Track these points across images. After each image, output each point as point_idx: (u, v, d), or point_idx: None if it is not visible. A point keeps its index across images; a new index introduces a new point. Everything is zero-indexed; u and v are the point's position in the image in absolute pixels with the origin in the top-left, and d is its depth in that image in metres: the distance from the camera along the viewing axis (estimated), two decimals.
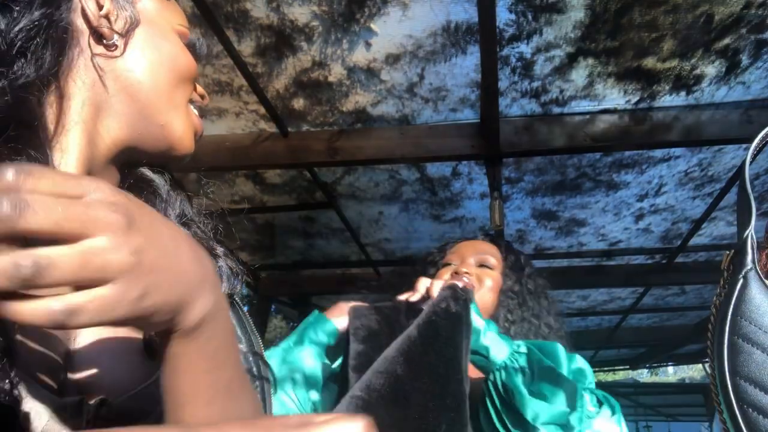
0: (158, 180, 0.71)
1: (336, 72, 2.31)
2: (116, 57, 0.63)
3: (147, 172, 0.71)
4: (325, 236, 4.02)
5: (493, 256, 1.46)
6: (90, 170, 0.62)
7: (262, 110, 2.54)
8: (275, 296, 5.14)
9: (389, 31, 2.09)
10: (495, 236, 1.55)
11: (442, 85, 2.37)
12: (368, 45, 2.17)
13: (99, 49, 0.62)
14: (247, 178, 3.23)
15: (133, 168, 0.70)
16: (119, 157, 0.66)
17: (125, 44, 0.64)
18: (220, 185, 3.32)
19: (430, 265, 1.51)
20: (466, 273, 1.39)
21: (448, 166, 3.03)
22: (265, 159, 2.76)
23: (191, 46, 0.71)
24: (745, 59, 2.20)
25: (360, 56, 2.22)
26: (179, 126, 0.67)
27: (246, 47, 2.19)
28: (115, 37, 0.63)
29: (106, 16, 0.63)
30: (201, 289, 0.46)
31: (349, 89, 2.42)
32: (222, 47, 2.14)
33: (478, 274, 1.41)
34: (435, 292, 1.20)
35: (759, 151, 0.70)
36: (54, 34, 0.56)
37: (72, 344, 0.57)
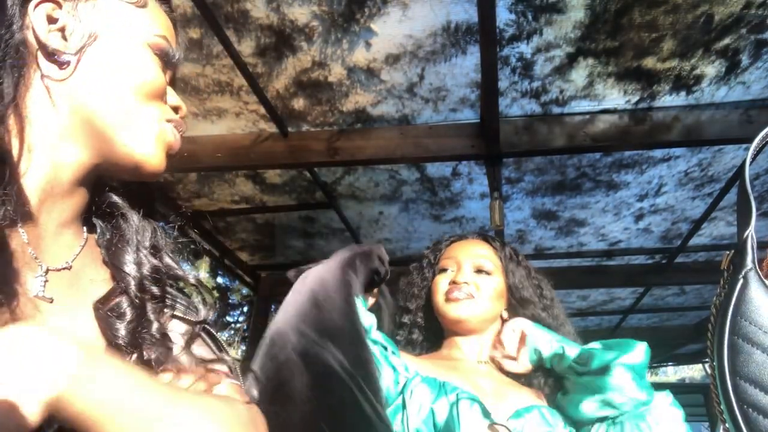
0: (129, 211, 0.69)
1: (336, 72, 2.31)
2: (67, 76, 0.59)
3: (117, 199, 0.68)
4: (325, 236, 4.02)
5: (489, 259, 1.36)
6: (54, 194, 0.60)
7: (262, 110, 2.54)
8: (275, 296, 5.14)
9: (389, 31, 2.09)
10: (486, 233, 1.47)
11: (442, 85, 2.37)
12: (368, 45, 2.17)
13: (50, 67, 0.59)
14: (247, 178, 3.23)
15: (105, 190, 0.68)
16: (86, 178, 0.63)
17: (78, 61, 0.60)
18: (221, 185, 3.32)
19: (426, 268, 1.43)
20: (465, 283, 1.30)
21: (448, 166, 3.03)
22: (265, 159, 2.76)
23: (163, 57, 0.66)
24: (745, 59, 2.20)
25: (360, 56, 2.22)
26: (144, 146, 0.63)
27: (246, 47, 2.19)
28: (67, 53, 0.59)
29: (61, 30, 0.59)
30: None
31: (349, 89, 2.42)
32: (222, 47, 2.14)
33: (477, 282, 1.32)
34: None
35: (759, 151, 0.70)
36: (9, 56, 0.54)
37: None
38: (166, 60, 0.66)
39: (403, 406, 1.09)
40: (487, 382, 1.20)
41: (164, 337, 0.63)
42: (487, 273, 1.33)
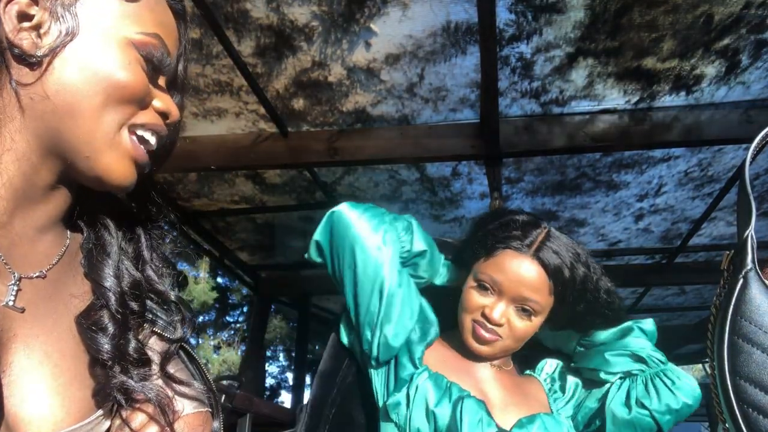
0: (112, 223, 0.66)
1: (336, 72, 2.31)
2: (35, 80, 0.55)
3: (101, 211, 0.66)
4: None
5: (538, 295, 1.11)
6: (28, 198, 0.57)
7: (262, 110, 2.54)
8: (275, 296, 5.14)
9: (389, 31, 2.09)
10: (545, 255, 1.12)
11: (442, 85, 2.37)
12: (368, 45, 2.17)
13: (19, 70, 0.55)
14: (247, 178, 3.23)
15: (90, 197, 0.65)
16: (64, 183, 0.60)
17: (49, 62, 0.56)
18: (220, 185, 3.32)
19: (470, 253, 1.20)
20: (497, 325, 1.11)
21: (448, 166, 3.03)
22: (265, 159, 2.76)
23: (150, 57, 0.60)
24: (744, 59, 2.20)
25: (360, 56, 2.22)
26: (105, 158, 0.58)
27: (246, 47, 2.19)
28: (39, 53, 0.55)
29: (35, 28, 0.55)
30: None
31: (349, 89, 2.42)
32: (222, 47, 2.14)
33: (512, 322, 1.12)
34: None
35: (759, 151, 0.70)
36: None
37: (4, 377, 0.53)
38: (154, 60, 0.61)
39: (407, 401, 1.08)
40: (494, 386, 1.18)
41: (143, 356, 0.62)
42: (528, 314, 1.13)
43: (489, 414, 1.07)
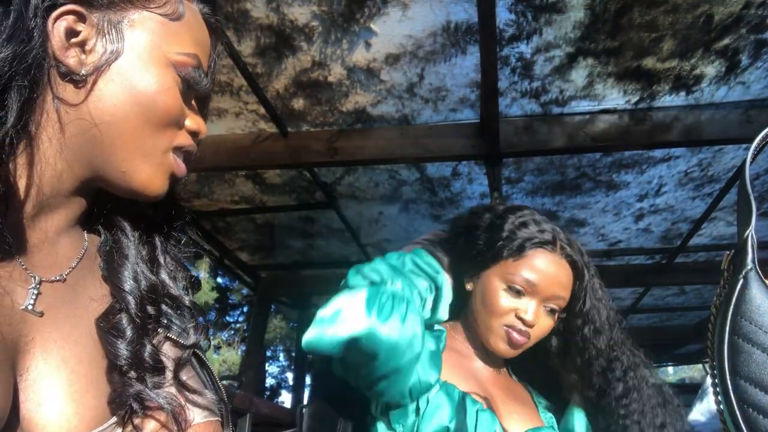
0: (128, 226, 0.66)
1: (336, 72, 2.31)
2: (81, 100, 0.56)
3: (118, 213, 0.66)
4: (325, 236, 4.02)
5: (566, 294, 1.13)
6: (52, 204, 0.58)
7: (262, 110, 2.54)
8: (275, 296, 5.14)
9: (389, 31, 2.09)
10: (574, 255, 1.15)
11: (441, 85, 2.37)
12: (368, 45, 2.17)
13: (64, 87, 0.55)
14: (246, 178, 3.23)
15: (107, 200, 0.65)
16: (87, 189, 0.61)
17: (95, 81, 0.56)
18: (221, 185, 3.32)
19: (491, 255, 1.14)
20: (531, 326, 1.10)
21: (448, 166, 3.03)
22: (265, 159, 2.76)
23: (189, 77, 0.61)
24: (744, 59, 2.20)
25: (360, 56, 2.22)
26: (143, 174, 0.60)
27: (246, 47, 2.19)
28: (84, 71, 0.55)
29: (81, 45, 0.55)
30: None
31: (349, 89, 2.42)
32: (222, 47, 2.14)
33: (541, 322, 1.12)
34: None
35: (759, 151, 0.70)
36: (19, 74, 0.50)
37: (21, 381, 0.53)
38: (191, 80, 0.62)
39: (416, 414, 1.02)
40: (497, 391, 1.17)
41: (158, 363, 0.61)
42: (554, 313, 1.13)
43: (503, 428, 1.04)
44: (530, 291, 1.10)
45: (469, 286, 1.18)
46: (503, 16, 2.00)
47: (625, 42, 2.13)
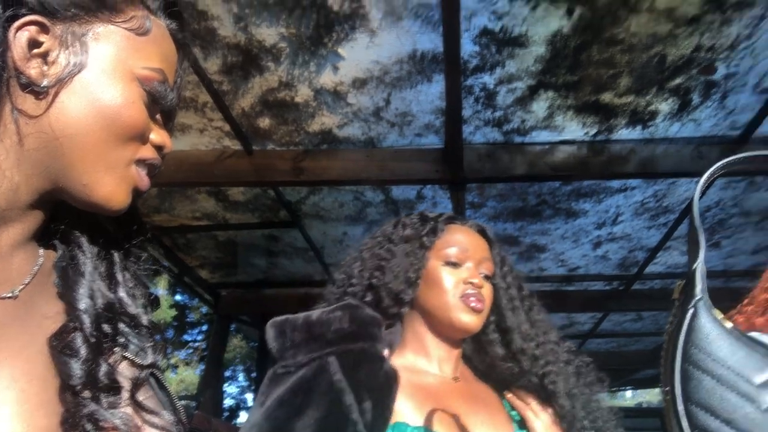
0: (86, 241, 0.64)
1: (303, 93, 2.33)
2: (41, 111, 0.55)
3: (76, 228, 0.64)
4: (288, 255, 4.00)
5: (491, 260, 1.21)
6: (5, 214, 0.56)
7: (227, 127, 2.53)
8: (235, 315, 5.07)
9: (356, 56, 2.12)
10: (483, 225, 1.28)
11: (407, 110, 2.41)
12: (335, 68, 2.19)
13: (24, 98, 0.54)
14: (209, 194, 3.20)
15: (66, 213, 0.63)
16: (45, 202, 0.60)
17: (57, 93, 0.55)
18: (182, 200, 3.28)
19: (413, 246, 1.19)
20: (480, 287, 1.15)
21: (413, 190, 3.07)
22: (229, 176, 2.74)
23: (154, 92, 0.61)
24: (695, 98, 2.30)
25: (327, 79, 2.24)
26: (106, 187, 0.59)
27: (212, 64, 2.18)
28: (45, 82, 0.54)
29: (43, 56, 0.55)
30: None
31: (316, 110, 2.43)
32: (188, 63, 2.13)
33: (484, 285, 1.17)
34: None
35: (708, 186, 0.73)
36: None
37: None
38: (156, 95, 0.61)
39: None
40: (463, 403, 1.12)
41: (113, 382, 0.60)
42: (488, 278, 1.19)
43: None
44: (463, 258, 1.17)
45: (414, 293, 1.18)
46: (468, 47, 2.05)
47: (584, 77, 2.21)
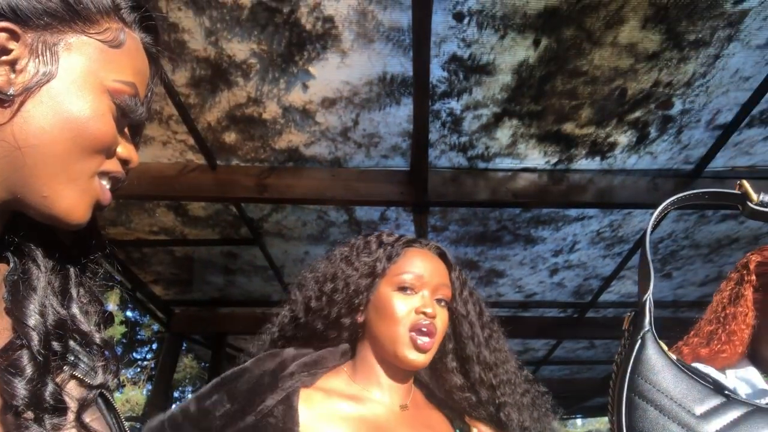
0: (41, 254, 0.62)
1: (271, 110, 2.32)
2: (6, 117, 0.53)
3: (31, 241, 0.62)
4: (246, 273, 3.93)
5: (448, 285, 1.16)
6: None
7: (191, 141, 2.50)
8: (188, 334, 4.93)
9: (327, 76, 2.13)
10: (441, 246, 1.23)
11: (375, 131, 2.43)
12: (305, 87, 2.19)
13: None
14: (168, 208, 3.13)
15: (21, 225, 0.61)
16: (2, 212, 0.58)
17: (23, 102, 0.54)
18: (139, 213, 3.20)
19: (369, 272, 1.14)
20: (432, 317, 1.09)
21: (377, 211, 3.07)
22: (191, 191, 2.69)
23: (124, 105, 0.60)
24: (653, 132, 2.39)
25: (296, 97, 2.24)
26: (66, 201, 0.57)
27: (180, 77, 2.16)
28: (12, 90, 0.53)
29: (11, 64, 0.54)
30: None
31: (283, 128, 2.42)
32: (158, 77, 2.10)
33: (438, 315, 1.11)
34: None
35: (661, 219, 0.76)
36: None
37: None
38: (126, 108, 0.60)
39: None
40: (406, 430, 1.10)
41: (59, 403, 0.57)
42: (444, 305, 1.14)
43: None
44: (418, 285, 1.11)
45: (360, 318, 1.14)
46: (437, 72, 2.09)
47: (547, 107, 2.27)
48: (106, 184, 0.62)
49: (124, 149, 0.63)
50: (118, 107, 0.60)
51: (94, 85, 0.57)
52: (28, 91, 0.54)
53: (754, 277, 1.25)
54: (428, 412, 1.17)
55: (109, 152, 0.60)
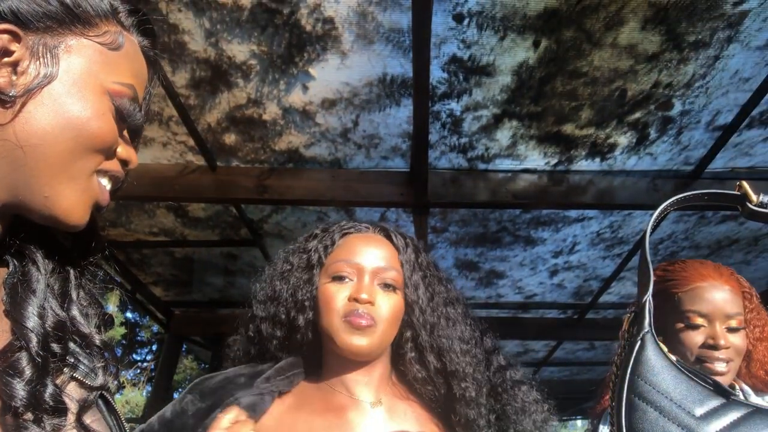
0: (41, 257, 0.62)
1: (271, 111, 2.32)
2: (8, 118, 0.54)
3: (31, 243, 0.62)
4: (246, 275, 3.92)
5: (396, 268, 1.09)
6: None
7: (191, 142, 2.50)
8: (188, 335, 4.92)
9: (327, 77, 2.13)
10: (388, 226, 1.17)
11: (375, 132, 2.43)
12: (305, 88, 2.19)
13: None
14: (168, 209, 3.13)
15: (22, 228, 0.61)
16: (2, 215, 0.58)
17: (24, 103, 0.54)
18: (139, 215, 3.20)
19: (306, 264, 1.11)
20: (368, 302, 1.03)
21: (377, 212, 3.07)
22: (191, 192, 2.69)
23: (123, 107, 0.61)
24: (653, 133, 2.39)
25: (296, 98, 2.24)
26: (67, 200, 0.58)
27: (180, 78, 2.16)
28: (13, 92, 0.54)
29: (13, 65, 0.55)
30: None
31: (283, 129, 2.42)
32: (156, 80, 2.10)
33: (380, 300, 1.05)
34: None
35: (661, 220, 0.76)
36: None
37: None
38: (125, 111, 0.62)
39: None
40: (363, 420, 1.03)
41: (59, 404, 0.57)
42: (393, 289, 1.08)
43: None
44: (352, 271, 1.07)
45: (311, 315, 1.09)
46: (436, 73, 2.09)
47: (547, 108, 2.27)
48: (105, 183, 0.62)
49: (123, 150, 0.64)
50: (117, 109, 0.61)
51: (94, 86, 0.58)
52: (29, 93, 0.55)
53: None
54: (409, 408, 1.09)
55: (109, 152, 0.61)
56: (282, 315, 1.10)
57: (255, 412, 0.98)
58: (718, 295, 1.28)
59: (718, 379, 1.17)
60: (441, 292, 1.14)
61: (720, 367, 1.25)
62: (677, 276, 1.34)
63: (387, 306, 1.05)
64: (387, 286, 1.07)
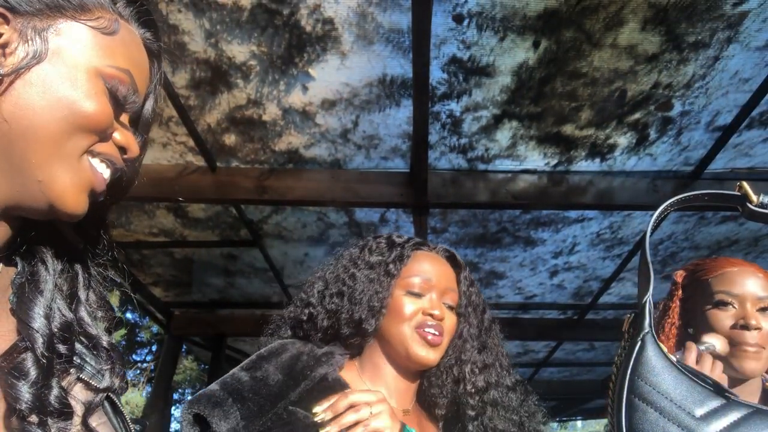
0: (50, 257, 0.62)
1: (271, 111, 2.32)
2: None
3: (41, 244, 0.62)
4: (246, 275, 3.92)
5: (456, 289, 1.20)
6: None
7: (191, 143, 2.49)
8: (188, 335, 4.92)
9: (327, 78, 2.13)
10: (453, 251, 1.27)
11: (375, 133, 2.43)
12: (305, 89, 2.19)
13: None
14: (168, 210, 3.13)
15: (30, 226, 0.61)
16: (6, 214, 0.57)
17: (12, 82, 0.54)
18: (139, 215, 3.20)
19: (380, 272, 1.17)
20: (440, 319, 1.12)
21: (377, 213, 3.07)
22: (191, 192, 2.69)
23: (117, 91, 0.60)
24: (653, 133, 2.39)
25: (296, 99, 2.24)
26: (61, 183, 0.57)
27: (180, 79, 2.16)
28: (1, 71, 0.54)
29: (2, 47, 0.55)
30: None
31: (283, 129, 2.42)
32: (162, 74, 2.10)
33: (446, 317, 1.14)
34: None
35: (661, 221, 0.76)
36: None
37: None
38: (119, 94, 0.61)
39: None
40: None
41: (65, 407, 0.56)
42: (452, 309, 1.17)
43: None
44: (427, 288, 1.15)
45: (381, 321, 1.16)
46: (436, 74, 2.09)
47: (547, 108, 2.27)
48: (97, 166, 0.61)
49: (121, 136, 0.63)
50: (111, 92, 0.60)
51: (85, 68, 0.58)
52: (17, 73, 0.54)
53: (680, 291, 1.38)
54: (425, 420, 1.18)
55: (103, 134, 0.60)
56: (349, 313, 1.15)
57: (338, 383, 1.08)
58: (748, 278, 1.28)
59: (749, 364, 1.20)
60: (486, 319, 1.24)
61: (752, 349, 1.22)
62: (708, 265, 1.35)
63: (450, 324, 1.15)
64: (450, 307, 1.17)
